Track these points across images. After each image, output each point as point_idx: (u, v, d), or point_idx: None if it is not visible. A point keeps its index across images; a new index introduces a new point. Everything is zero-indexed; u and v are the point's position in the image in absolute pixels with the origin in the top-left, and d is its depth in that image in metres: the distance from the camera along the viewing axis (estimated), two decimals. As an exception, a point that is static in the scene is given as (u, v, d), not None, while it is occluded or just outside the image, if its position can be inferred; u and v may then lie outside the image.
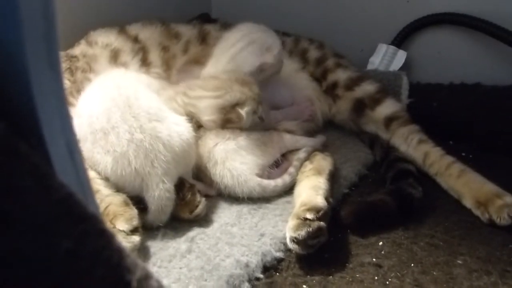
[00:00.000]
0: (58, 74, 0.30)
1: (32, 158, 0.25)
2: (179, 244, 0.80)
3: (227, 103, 0.98)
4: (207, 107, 0.98)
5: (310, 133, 1.17)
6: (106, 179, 0.82)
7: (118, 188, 0.83)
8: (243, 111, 0.96)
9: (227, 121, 0.98)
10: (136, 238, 0.74)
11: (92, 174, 0.81)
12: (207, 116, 0.98)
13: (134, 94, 0.87)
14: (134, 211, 0.78)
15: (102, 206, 0.76)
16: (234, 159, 0.94)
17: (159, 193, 0.80)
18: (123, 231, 0.73)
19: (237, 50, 1.08)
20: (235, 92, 0.99)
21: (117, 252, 0.26)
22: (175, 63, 1.20)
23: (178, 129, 0.87)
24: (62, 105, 0.31)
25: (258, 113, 1.00)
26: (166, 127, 0.85)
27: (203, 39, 1.27)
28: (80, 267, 0.24)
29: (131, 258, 0.27)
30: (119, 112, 0.83)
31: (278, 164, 1.01)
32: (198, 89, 1.01)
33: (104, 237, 0.26)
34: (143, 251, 0.77)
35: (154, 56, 1.19)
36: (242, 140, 0.97)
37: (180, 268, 0.74)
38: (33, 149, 0.26)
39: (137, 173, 0.80)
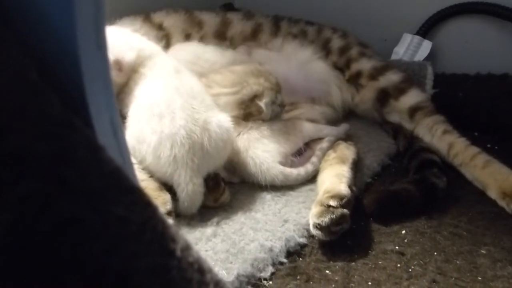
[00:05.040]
0: (105, 54, 0.32)
1: (85, 132, 0.27)
2: (205, 228, 0.81)
3: (245, 98, 0.98)
4: (226, 104, 0.98)
5: (332, 123, 1.17)
6: (141, 162, 0.83)
7: (150, 173, 0.84)
8: (262, 103, 0.97)
9: (248, 115, 0.99)
10: (169, 221, 0.76)
11: None
12: (228, 113, 0.99)
13: (197, 87, 0.88)
14: (167, 196, 0.80)
15: None
16: (256, 147, 0.95)
17: (193, 188, 0.81)
18: None
19: None
20: (252, 85, 0.99)
21: (161, 222, 0.28)
22: None
23: (225, 124, 0.87)
24: (107, 84, 0.33)
25: (277, 101, 1.00)
26: (217, 121, 0.85)
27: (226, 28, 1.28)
28: (129, 234, 0.25)
29: (174, 229, 0.29)
30: (181, 100, 0.83)
31: (301, 153, 1.01)
32: (216, 86, 1.01)
33: (150, 208, 0.28)
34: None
35: (176, 42, 1.20)
36: (264, 129, 0.98)
37: (206, 250, 0.76)
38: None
39: (175, 160, 0.80)
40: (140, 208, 0.27)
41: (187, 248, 0.28)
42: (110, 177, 0.26)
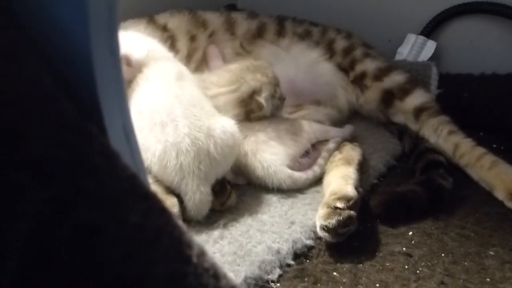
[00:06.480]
0: (117, 60, 0.32)
1: (100, 139, 0.27)
2: (212, 230, 0.81)
3: (244, 95, 0.98)
4: (226, 103, 0.98)
5: (337, 124, 1.17)
6: (147, 170, 0.83)
7: (157, 180, 0.83)
8: (261, 99, 0.97)
9: (249, 112, 0.99)
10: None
11: None
12: (229, 112, 0.98)
13: (197, 95, 0.88)
14: (174, 199, 0.80)
15: None
16: (264, 151, 0.94)
17: (200, 197, 0.81)
18: None
19: None
20: (249, 81, 0.99)
21: (177, 228, 0.28)
22: (198, 52, 1.22)
23: (229, 129, 0.86)
24: (120, 90, 0.33)
25: (277, 95, 1.00)
26: (221, 127, 0.85)
27: (230, 27, 1.28)
28: (146, 240, 0.25)
29: (188, 235, 0.29)
30: (182, 107, 0.83)
31: (307, 154, 1.01)
32: (214, 87, 1.00)
33: (165, 214, 0.28)
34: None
35: (182, 44, 1.20)
36: (271, 131, 0.97)
37: (214, 253, 0.76)
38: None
39: (181, 169, 0.80)
40: (155, 214, 0.27)
41: (202, 253, 0.28)
42: (126, 184, 0.26)
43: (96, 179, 0.25)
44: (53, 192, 0.23)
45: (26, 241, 0.22)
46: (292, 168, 0.95)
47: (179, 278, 0.26)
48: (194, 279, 0.26)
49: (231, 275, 0.70)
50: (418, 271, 0.75)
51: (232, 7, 1.65)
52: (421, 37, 1.45)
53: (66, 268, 0.23)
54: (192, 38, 1.24)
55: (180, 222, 0.29)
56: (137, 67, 0.89)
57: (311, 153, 1.00)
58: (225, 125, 0.86)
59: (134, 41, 0.93)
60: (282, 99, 1.03)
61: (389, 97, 1.20)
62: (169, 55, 0.99)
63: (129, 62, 0.88)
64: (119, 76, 0.33)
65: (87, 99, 0.30)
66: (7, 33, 0.29)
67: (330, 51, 1.29)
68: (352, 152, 1.00)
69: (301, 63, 1.22)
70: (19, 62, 0.27)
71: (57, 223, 0.23)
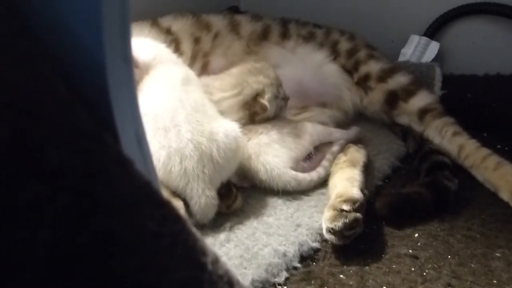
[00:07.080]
0: (130, 67, 0.32)
1: (114, 146, 0.27)
2: (218, 233, 0.81)
3: (247, 98, 0.98)
4: (230, 107, 0.99)
5: (341, 126, 1.17)
6: None
7: (162, 185, 0.83)
8: (264, 101, 0.97)
9: (253, 114, 0.99)
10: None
11: None
12: (234, 116, 0.98)
13: (201, 100, 0.89)
14: (180, 203, 0.80)
15: None
16: (267, 153, 0.94)
17: (206, 200, 0.81)
18: None
19: None
20: (251, 84, 0.99)
21: (192, 235, 0.28)
22: (202, 54, 1.22)
23: (232, 133, 0.87)
24: (132, 96, 0.33)
25: (280, 95, 1.00)
26: (224, 131, 0.85)
27: (234, 29, 1.29)
28: (163, 248, 0.25)
29: (202, 242, 0.29)
30: (185, 112, 0.83)
31: (310, 156, 1.01)
32: (217, 92, 1.01)
33: (180, 222, 0.28)
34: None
35: (186, 47, 1.21)
36: (274, 134, 0.97)
37: (220, 256, 0.76)
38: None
39: (185, 173, 0.80)
40: (171, 222, 0.27)
41: (216, 260, 0.28)
42: (141, 192, 0.26)
43: (112, 187, 0.25)
44: (70, 201, 0.23)
45: (46, 251, 0.22)
46: (295, 170, 0.94)
47: (195, 286, 0.26)
48: (209, 286, 0.26)
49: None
50: (424, 273, 0.75)
51: (234, 9, 1.66)
52: (425, 38, 1.45)
53: (85, 277, 0.23)
54: (196, 40, 1.24)
55: (194, 229, 0.29)
56: (144, 69, 0.90)
57: (313, 156, 1.00)
58: (228, 128, 0.86)
59: (142, 44, 0.93)
60: (285, 99, 1.03)
61: (393, 99, 1.20)
62: (177, 60, 0.99)
63: (136, 64, 0.88)
64: (131, 82, 0.33)
65: (100, 106, 0.30)
66: (20, 40, 0.29)
67: (334, 53, 1.29)
68: (357, 154, 1.00)
69: (308, 65, 1.22)
70: (33, 70, 0.27)
71: (76, 232, 0.23)
